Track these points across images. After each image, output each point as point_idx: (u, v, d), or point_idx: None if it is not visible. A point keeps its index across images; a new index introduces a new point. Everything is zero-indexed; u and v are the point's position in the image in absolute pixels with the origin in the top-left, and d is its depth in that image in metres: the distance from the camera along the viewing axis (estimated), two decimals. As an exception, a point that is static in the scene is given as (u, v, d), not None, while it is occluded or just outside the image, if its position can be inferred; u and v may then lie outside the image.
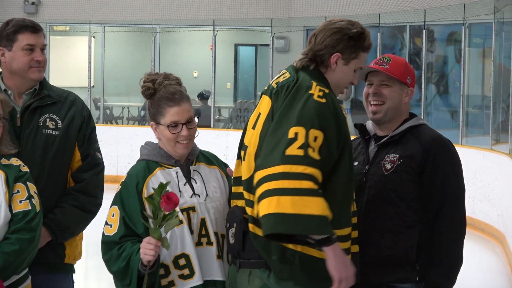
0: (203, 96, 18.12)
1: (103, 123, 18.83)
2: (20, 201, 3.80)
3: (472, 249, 10.93)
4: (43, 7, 20.18)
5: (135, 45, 21.37)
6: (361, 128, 4.08)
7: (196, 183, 3.92)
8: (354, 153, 3.99)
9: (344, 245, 3.56)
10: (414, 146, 3.89)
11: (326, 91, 3.55)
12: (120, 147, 16.21)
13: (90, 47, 18.87)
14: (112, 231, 3.87)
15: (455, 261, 3.86)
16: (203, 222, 3.86)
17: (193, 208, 3.86)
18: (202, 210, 3.88)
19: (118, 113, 20.36)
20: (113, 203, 3.90)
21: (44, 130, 4.18)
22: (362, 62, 3.71)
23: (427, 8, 16.05)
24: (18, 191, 3.82)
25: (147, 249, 3.69)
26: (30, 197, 3.82)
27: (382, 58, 4.00)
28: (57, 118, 4.22)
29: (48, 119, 4.21)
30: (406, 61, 4.07)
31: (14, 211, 3.78)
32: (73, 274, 4.39)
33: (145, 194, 3.84)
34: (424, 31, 15.98)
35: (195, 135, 3.95)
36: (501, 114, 13.84)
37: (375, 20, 16.98)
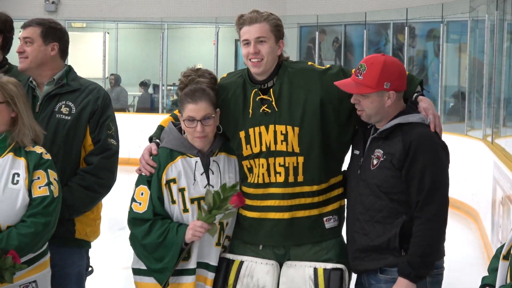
0: (145, 84, 18.96)
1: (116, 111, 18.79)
2: (40, 187, 3.78)
3: (450, 225, 10.91)
4: (62, 5, 20.09)
5: (145, 40, 21.30)
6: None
7: (213, 173, 3.89)
8: (355, 139, 3.95)
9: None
10: (397, 143, 3.73)
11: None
12: (132, 133, 16.16)
13: (104, 42, 18.83)
14: (141, 208, 3.85)
15: (429, 252, 3.70)
16: (202, 210, 3.84)
17: (204, 198, 3.85)
18: None
19: (130, 101, 20.30)
20: (141, 183, 3.88)
21: (58, 115, 4.17)
22: (242, 36, 3.91)
23: (409, 7, 16.01)
24: (38, 178, 3.79)
25: (198, 231, 3.75)
26: (49, 184, 3.79)
27: (359, 67, 3.78)
28: (72, 105, 4.20)
29: (63, 105, 4.20)
30: (383, 64, 3.76)
31: (33, 196, 3.76)
32: (88, 250, 4.36)
33: (163, 180, 3.85)
34: (406, 28, 15.94)
35: (214, 131, 3.91)
36: (475, 103, 13.82)
37: (362, 18, 16.94)
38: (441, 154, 3.79)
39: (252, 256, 3.96)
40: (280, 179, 3.88)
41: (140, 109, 19.38)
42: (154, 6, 19.71)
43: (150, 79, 19.31)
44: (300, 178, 3.88)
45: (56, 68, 4.28)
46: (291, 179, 3.88)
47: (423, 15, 15.93)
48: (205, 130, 3.86)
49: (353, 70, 3.84)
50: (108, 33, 19.39)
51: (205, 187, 3.86)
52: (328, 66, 4.01)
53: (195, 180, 3.87)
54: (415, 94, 3.90)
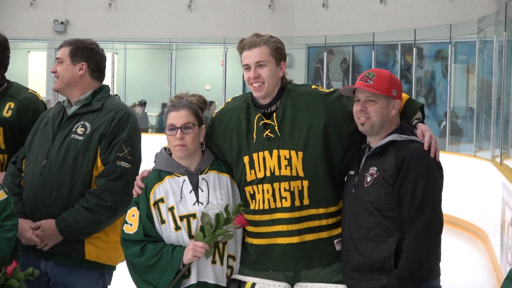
0: (142, 103, 19.18)
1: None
2: None
3: (458, 246, 10.88)
4: (71, 26, 20.21)
5: (154, 61, 21.39)
6: (359, 137, 3.92)
7: (202, 191, 3.89)
8: (351, 161, 3.95)
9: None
10: (390, 159, 3.72)
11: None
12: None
13: (113, 62, 18.89)
14: (132, 229, 3.87)
15: (417, 267, 3.65)
16: (202, 231, 3.83)
17: (194, 215, 3.85)
18: None
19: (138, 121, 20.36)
20: (132, 205, 3.92)
21: (72, 135, 4.17)
22: (243, 60, 3.89)
23: (417, 28, 16.05)
24: None
25: (198, 252, 3.75)
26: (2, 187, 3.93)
27: (367, 74, 3.81)
28: (88, 125, 4.19)
29: (80, 126, 4.19)
30: (390, 74, 3.86)
31: None
32: (106, 273, 4.29)
33: (151, 200, 3.86)
34: (414, 48, 15.97)
35: (195, 144, 3.91)
36: (484, 124, 13.81)
37: (370, 39, 16.98)
38: (434, 170, 3.75)
39: (263, 278, 3.95)
40: (286, 203, 3.87)
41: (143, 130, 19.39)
42: (162, 27, 19.80)
43: (145, 99, 19.46)
44: (306, 201, 3.87)
45: (86, 88, 4.27)
46: (297, 203, 3.86)
47: (431, 36, 15.96)
48: (185, 139, 3.86)
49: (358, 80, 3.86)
50: (116, 53, 19.47)
51: (194, 205, 3.86)
52: (332, 89, 4.01)
53: (181, 197, 3.87)
54: (415, 121, 3.89)
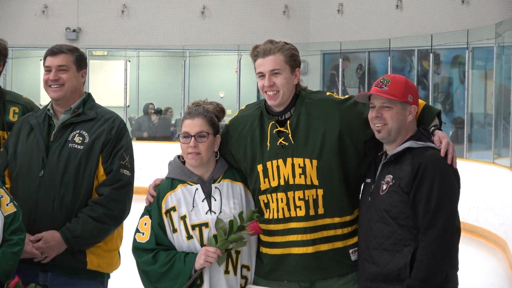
0: (158, 111, 19.10)
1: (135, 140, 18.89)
2: (7, 204, 3.86)
3: (476, 255, 10.84)
4: (84, 34, 20.28)
5: (167, 68, 21.42)
6: (375, 144, 3.93)
7: (215, 200, 3.89)
8: (368, 169, 3.95)
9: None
10: (406, 166, 3.73)
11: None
12: (152, 161, 16.19)
13: (126, 70, 18.96)
14: (144, 238, 3.88)
15: (428, 276, 3.65)
16: (215, 239, 3.84)
17: (206, 224, 3.86)
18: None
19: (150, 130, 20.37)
20: (144, 214, 3.94)
21: (70, 144, 4.17)
22: (257, 68, 3.92)
23: (433, 34, 16.01)
24: (2, 196, 3.86)
25: (210, 257, 3.77)
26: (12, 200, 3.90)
27: (382, 80, 3.83)
28: (85, 134, 4.20)
29: (77, 135, 4.20)
30: (406, 79, 3.87)
31: (4, 214, 3.84)
32: (104, 281, 4.33)
33: (163, 208, 3.87)
34: (431, 54, 15.93)
35: (209, 153, 3.91)
36: (502, 130, 13.75)
37: (386, 45, 16.95)
38: (450, 177, 3.76)
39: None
40: (301, 213, 3.87)
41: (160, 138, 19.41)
42: (175, 34, 19.83)
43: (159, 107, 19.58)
44: (321, 210, 3.87)
45: (79, 96, 4.31)
46: (312, 212, 3.87)
47: (448, 42, 15.92)
48: (199, 148, 3.87)
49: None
50: (129, 61, 19.53)
51: (206, 213, 3.87)
52: (347, 96, 4.01)
53: (193, 206, 3.87)
54: (432, 128, 3.88)
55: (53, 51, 4.25)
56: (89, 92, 4.41)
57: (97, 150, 4.18)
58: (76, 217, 4.11)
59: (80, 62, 4.27)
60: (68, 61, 4.26)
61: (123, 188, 4.20)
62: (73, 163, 4.14)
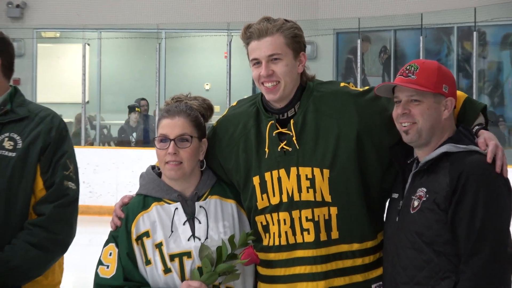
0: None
1: (99, 145, 18.88)
2: None
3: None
4: (30, 10, 20.30)
5: (137, 54, 21.46)
6: (403, 149, 3.91)
7: (200, 222, 3.90)
8: (395, 181, 3.96)
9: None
10: (443, 176, 3.71)
11: None
12: (120, 173, 16.23)
13: (84, 56, 18.95)
14: (109, 272, 3.89)
15: None
16: (199, 271, 3.84)
17: (188, 254, 3.86)
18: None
19: (117, 133, 20.39)
20: (109, 241, 3.93)
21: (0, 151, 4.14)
22: (251, 53, 3.90)
23: (477, 7, 16.05)
24: None
25: None
26: None
27: (408, 67, 3.81)
28: (17, 138, 4.16)
29: (6, 139, 4.15)
30: (438, 65, 3.85)
31: None
32: None
33: (133, 234, 3.88)
34: (474, 33, 15.98)
35: (193, 163, 3.93)
36: None
37: (417, 21, 16.99)
38: (499, 189, 3.73)
39: None
40: (309, 237, 3.88)
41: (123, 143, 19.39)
42: (148, 10, 19.86)
43: (127, 103, 19.52)
44: (335, 234, 3.87)
45: (5, 90, 4.25)
46: (323, 236, 3.87)
47: (496, 16, 15.96)
48: (180, 155, 3.88)
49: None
50: (88, 44, 19.54)
51: (188, 240, 3.87)
52: (366, 88, 4.01)
53: (172, 230, 3.88)
54: (476, 127, 3.88)
55: None
56: (38, 85, 4.40)
57: (34, 158, 4.15)
58: (10, 244, 4.11)
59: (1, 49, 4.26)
60: None
61: (68, 205, 4.18)
62: (4, 175, 4.11)
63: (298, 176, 3.88)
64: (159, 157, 3.93)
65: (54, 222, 4.13)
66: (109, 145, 19.69)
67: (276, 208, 3.89)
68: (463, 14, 16.43)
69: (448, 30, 17.47)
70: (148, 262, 3.88)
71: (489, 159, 3.73)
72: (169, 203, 3.92)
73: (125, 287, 3.87)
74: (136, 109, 18.98)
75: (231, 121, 4.03)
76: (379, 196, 3.95)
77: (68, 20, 19.71)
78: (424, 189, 3.76)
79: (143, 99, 19.30)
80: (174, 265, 3.86)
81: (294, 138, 3.88)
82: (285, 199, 3.88)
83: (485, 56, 17.10)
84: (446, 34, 17.70)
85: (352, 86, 4.02)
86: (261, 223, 3.93)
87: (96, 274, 3.94)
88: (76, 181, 4.24)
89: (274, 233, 3.91)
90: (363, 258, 3.91)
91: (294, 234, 3.88)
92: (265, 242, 3.94)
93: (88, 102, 19.16)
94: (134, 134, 19.17)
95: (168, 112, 3.93)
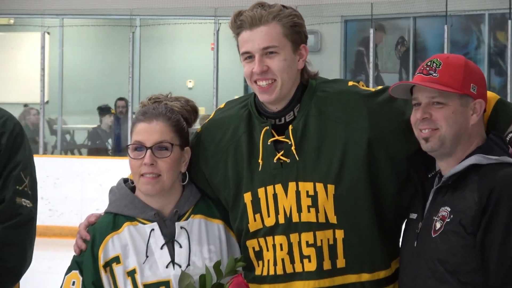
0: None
1: (61, 153, 18.88)
2: None
3: None
4: (-22, -8, 20.35)
5: (106, 44, 21.50)
6: (423, 160, 3.92)
7: (180, 246, 3.91)
8: (413, 198, 3.97)
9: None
10: (470, 193, 3.70)
11: None
12: (86, 187, 16.24)
13: (43, 47, 18.97)
14: None
15: None
16: None
17: (166, 284, 3.87)
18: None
19: (83, 139, 20.41)
20: (72, 268, 3.94)
21: None
22: (241, 46, 3.90)
23: (513, -10, 16.12)
24: None
25: None
26: None
27: (429, 63, 3.81)
28: None
29: None
30: (466, 61, 3.84)
31: None
32: None
33: (101, 259, 3.89)
34: (509, 21, 16.02)
35: (173, 175, 3.94)
36: None
37: (441, 7, 17.04)
38: None
39: None
40: (311, 266, 3.89)
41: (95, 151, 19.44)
42: (119, -8, 19.89)
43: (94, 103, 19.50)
44: (341, 263, 3.89)
45: None
46: (327, 265, 3.88)
47: (536, 2, 16.03)
48: (158, 166, 3.89)
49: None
50: (48, 33, 19.57)
51: (167, 267, 3.88)
52: (379, 87, 4.02)
53: (147, 255, 3.89)
54: (510, 135, 3.89)
55: None
56: None
57: None
58: None
59: None
60: None
61: (21, 226, 4.20)
62: None
63: (298, 193, 3.89)
64: (132, 168, 3.94)
65: (4, 246, 4.14)
66: (73, 153, 19.70)
67: (271, 231, 3.90)
68: (496, -1, 16.51)
69: (478, 18, 17.52)
70: None
71: None
72: (144, 223, 3.94)
73: None
74: (111, 110, 19.00)
75: (219, 126, 4.04)
76: (394, 216, 3.97)
77: (24, 5, 19.73)
78: (448, 208, 3.78)
79: (121, 98, 19.27)
80: None
81: (293, 148, 3.89)
82: (281, 220, 3.89)
83: (522, 49, 17.16)
84: (475, 22, 17.75)
85: (363, 86, 4.03)
86: (254, 248, 3.95)
87: None
88: (33, 197, 4.25)
89: (268, 260, 3.92)
90: None
91: (292, 261, 3.90)
92: (257, 271, 3.95)
93: (47, 102, 19.15)
94: (110, 141, 19.19)
95: (144, 115, 3.94)
